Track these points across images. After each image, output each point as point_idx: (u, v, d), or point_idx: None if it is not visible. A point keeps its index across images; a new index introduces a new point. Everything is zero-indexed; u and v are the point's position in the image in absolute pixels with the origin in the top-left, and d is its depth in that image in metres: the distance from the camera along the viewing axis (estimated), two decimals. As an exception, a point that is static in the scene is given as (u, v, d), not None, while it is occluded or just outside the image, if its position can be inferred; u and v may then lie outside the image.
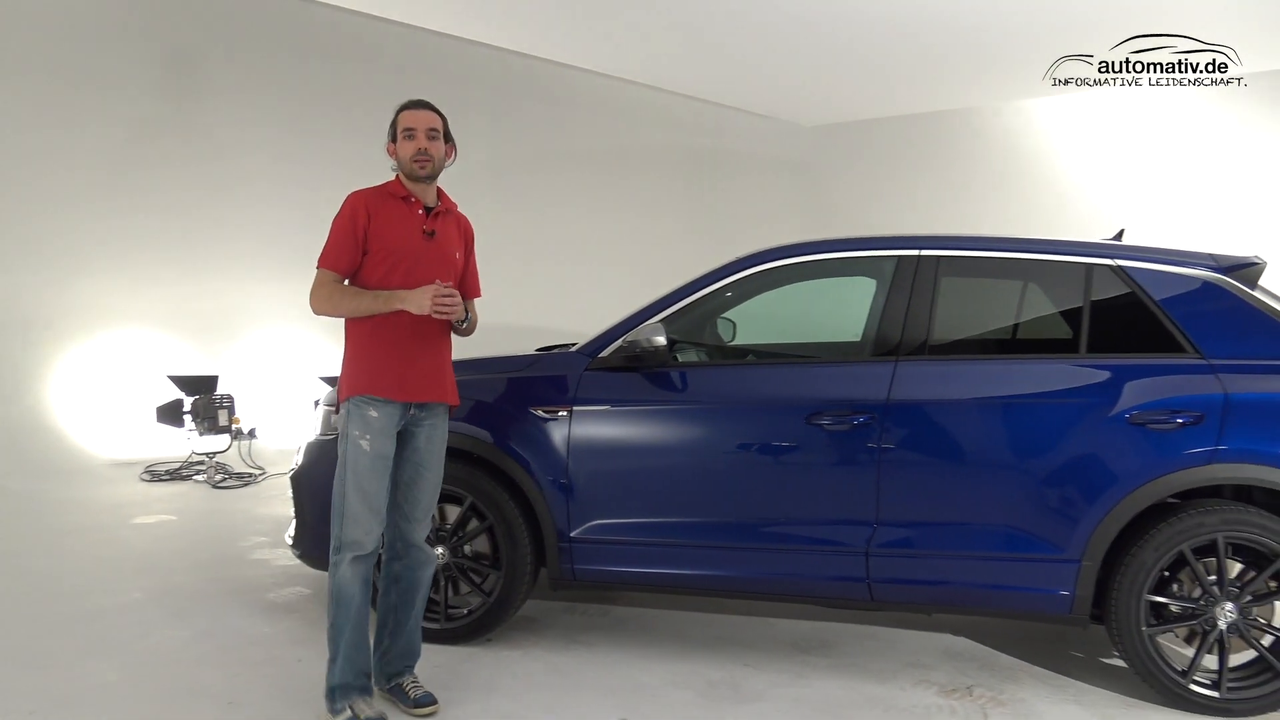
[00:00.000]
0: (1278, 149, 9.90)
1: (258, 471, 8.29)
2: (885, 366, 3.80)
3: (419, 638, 3.58)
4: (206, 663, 3.92)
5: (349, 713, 3.26)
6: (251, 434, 8.63)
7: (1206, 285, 3.71)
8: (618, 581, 4.03)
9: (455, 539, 4.12)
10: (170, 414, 8.22)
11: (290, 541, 4.47)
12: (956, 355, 3.99)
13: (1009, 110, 11.89)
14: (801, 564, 3.82)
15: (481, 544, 4.15)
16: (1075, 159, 11.30)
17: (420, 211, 3.38)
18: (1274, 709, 3.51)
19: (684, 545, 3.90)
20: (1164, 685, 3.55)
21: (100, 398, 8.84)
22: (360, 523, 3.24)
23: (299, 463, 4.46)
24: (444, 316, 3.21)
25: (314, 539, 4.29)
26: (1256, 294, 3.73)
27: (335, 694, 3.29)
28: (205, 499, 7.38)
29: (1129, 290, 3.75)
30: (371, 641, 3.44)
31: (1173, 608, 3.59)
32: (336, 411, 3.42)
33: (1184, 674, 3.54)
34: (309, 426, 4.58)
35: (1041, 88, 11.10)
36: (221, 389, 8.50)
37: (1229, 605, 3.51)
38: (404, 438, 3.39)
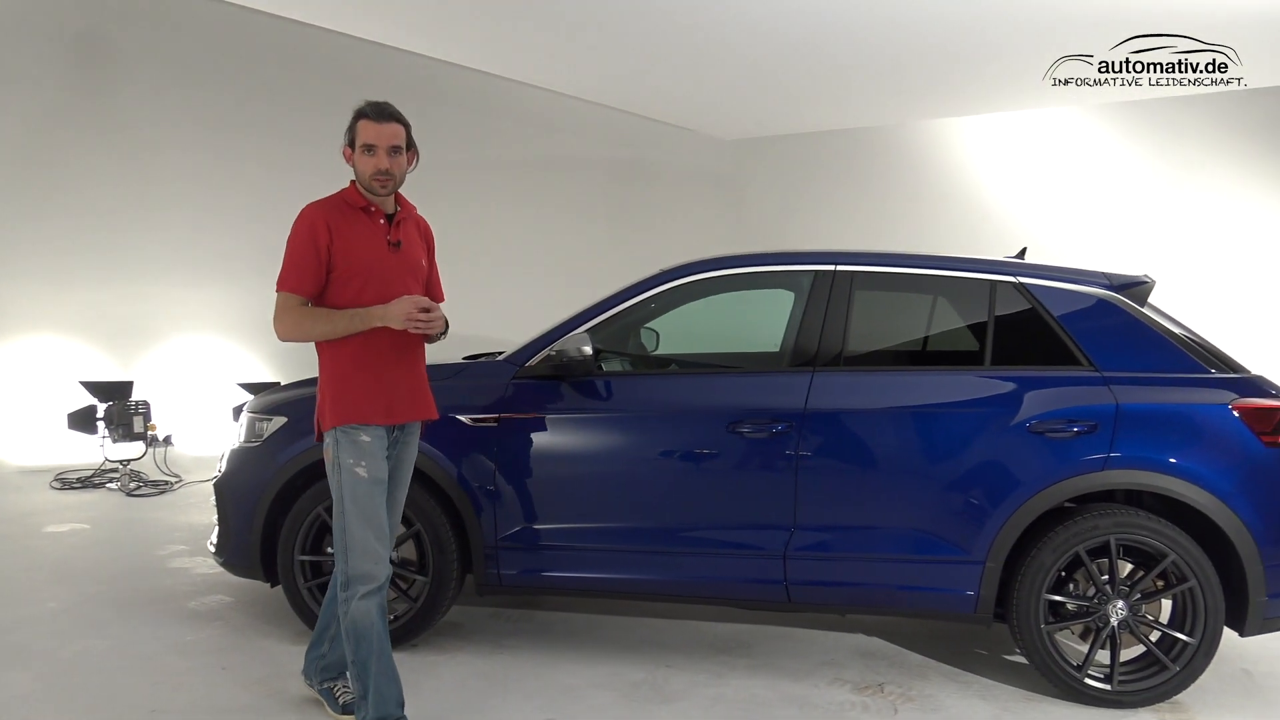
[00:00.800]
0: (1173, 171, 10.38)
1: (174, 479, 8.16)
2: (803, 377, 3.96)
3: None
4: (128, 672, 3.89)
5: None
6: (167, 441, 8.49)
7: (1100, 302, 3.95)
8: (543, 586, 4.11)
9: (382, 546, 4.15)
10: (82, 420, 8.04)
11: (213, 549, 4.46)
12: (870, 366, 4.17)
13: (926, 128, 12.27)
14: (722, 567, 3.95)
15: (408, 550, 4.19)
16: (986, 176, 11.72)
17: (382, 221, 3.20)
18: (1161, 699, 3.75)
19: (610, 550, 4.00)
20: (1061, 679, 3.76)
21: (9, 403, 8.59)
22: (369, 553, 3.10)
23: (222, 469, 4.45)
24: (423, 332, 3.11)
25: (238, 546, 4.29)
26: (1146, 310, 3.99)
27: None
28: (119, 507, 7.23)
29: (1030, 306, 3.96)
30: (310, 641, 3.45)
31: (1069, 606, 3.81)
32: (319, 441, 3.27)
33: (1079, 668, 3.76)
34: (232, 434, 4.57)
35: (958, 106, 11.47)
36: (136, 395, 8.35)
37: (1120, 603, 3.74)
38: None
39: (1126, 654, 3.81)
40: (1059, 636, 3.82)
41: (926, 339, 4.43)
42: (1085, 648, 3.83)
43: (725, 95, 11.92)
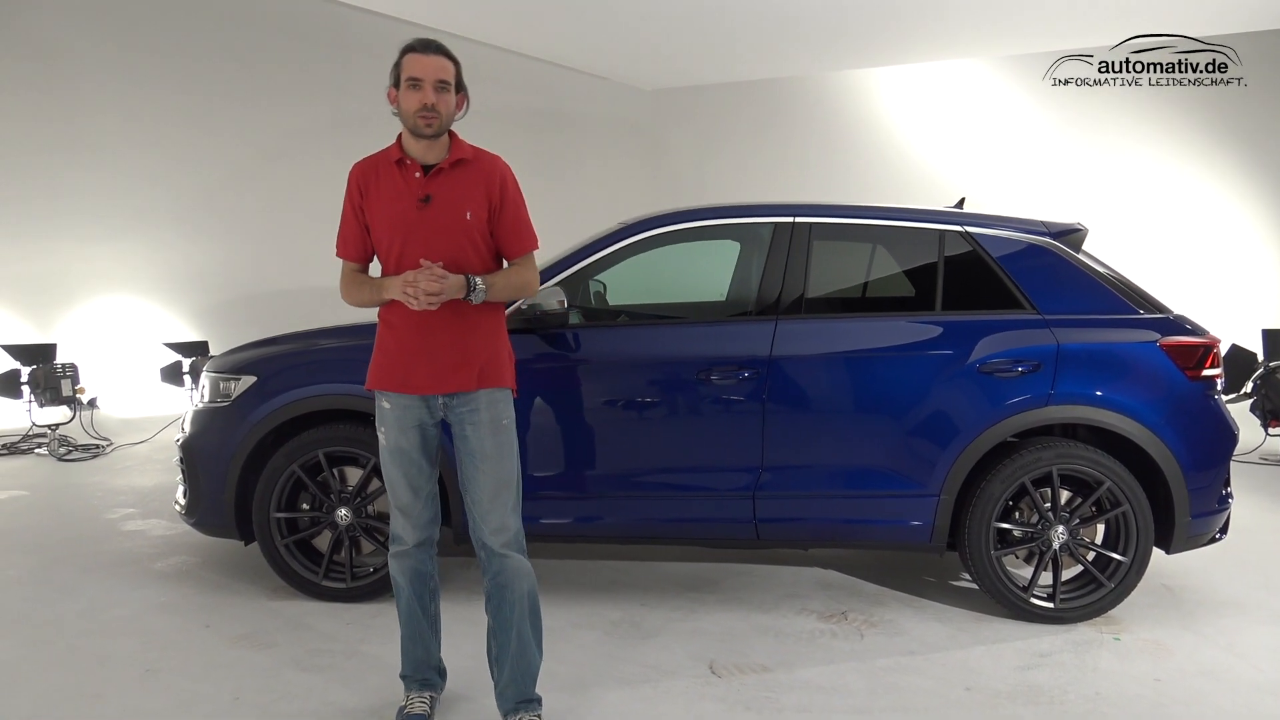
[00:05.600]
0: (1089, 128, 10.77)
1: (105, 443, 7.99)
2: (767, 325, 4.14)
3: (526, 670, 3.04)
4: (111, 634, 3.90)
5: (403, 701, 3.18)
6: (93, 404, 8.30)
7: (1041, 249, 4.21)
8: (531, 534, 4.22)
9: (358, 500, 4.23)
10: (6, 385, 7.80)
11: (181, 510, 4.46)
12: (829, 314, 4.37)
13: (843, 79, 12.48)
14: (696, 508, 4.13)
15: (384, 504, 4.26)
16: (910, 128, 12.01)
17: (417, 175, 2.97)
18: (1098, 614, 4.09)
19: (594, 497, 4.14)
20: (1009, 600, 4.07)
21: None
22: (395, 516, 3.11)
23: (187, 430, 4.44)
24: (422, 305, 2.80)
25: (210, 506, 4.30)
26: (1080, 256, 4.27)
27: (403, 682, 3.22)
28: (53, 473, 7.08)
29: (977, 254, 4.21)
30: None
31: (1015, 532, 4.11)
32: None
33: (1025, 589, 4.08)
34: (196, 394, 4.55)
35: (882, 57, 11.68)
36: (60, 358, 8.12)
37: (1061, 528, 4.05)
38: (450, 430, 3.08)
39: (1066, 574, 4.14)
40: (1006, 561, 4.13)
41: (880, 286, 4.65)
42: (1029, 570, 4.15)
43: (644, 44, 11.93)
